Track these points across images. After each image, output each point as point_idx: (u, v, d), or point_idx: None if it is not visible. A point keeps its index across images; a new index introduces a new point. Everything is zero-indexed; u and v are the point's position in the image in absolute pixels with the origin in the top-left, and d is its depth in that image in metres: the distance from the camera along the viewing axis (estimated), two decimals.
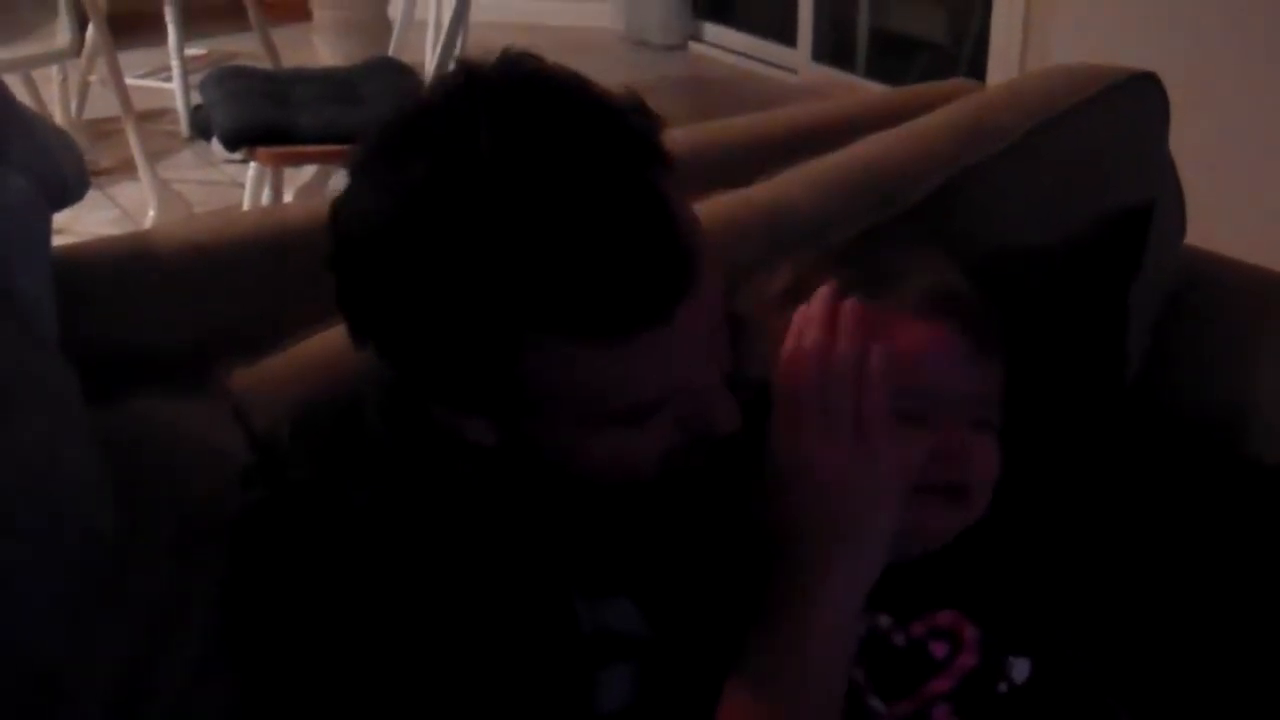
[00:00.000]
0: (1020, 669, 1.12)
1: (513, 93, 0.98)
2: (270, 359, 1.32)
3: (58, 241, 1.27)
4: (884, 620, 1.13)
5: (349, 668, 1.04)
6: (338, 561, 1.07)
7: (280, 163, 3.38)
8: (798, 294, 1.22)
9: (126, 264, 1.41)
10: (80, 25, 4.00)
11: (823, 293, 1.12)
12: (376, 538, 1.07)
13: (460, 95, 1.00)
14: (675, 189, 1.00)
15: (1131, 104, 1.82)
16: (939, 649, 1.12)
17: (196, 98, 4.50)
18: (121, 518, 1.14)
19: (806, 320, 1.10)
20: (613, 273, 0.95)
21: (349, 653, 1.04)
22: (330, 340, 1.28)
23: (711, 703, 1.05)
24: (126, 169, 4.26)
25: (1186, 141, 1.91)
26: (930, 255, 1.27)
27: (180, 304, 1.39)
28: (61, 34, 3.92)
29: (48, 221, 1.25)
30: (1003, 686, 1.12)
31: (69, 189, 1.28)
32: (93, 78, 4.65)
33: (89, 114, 4.76)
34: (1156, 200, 1.63)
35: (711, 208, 1.52)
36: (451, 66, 1.08)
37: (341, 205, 1.05)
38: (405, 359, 1.07)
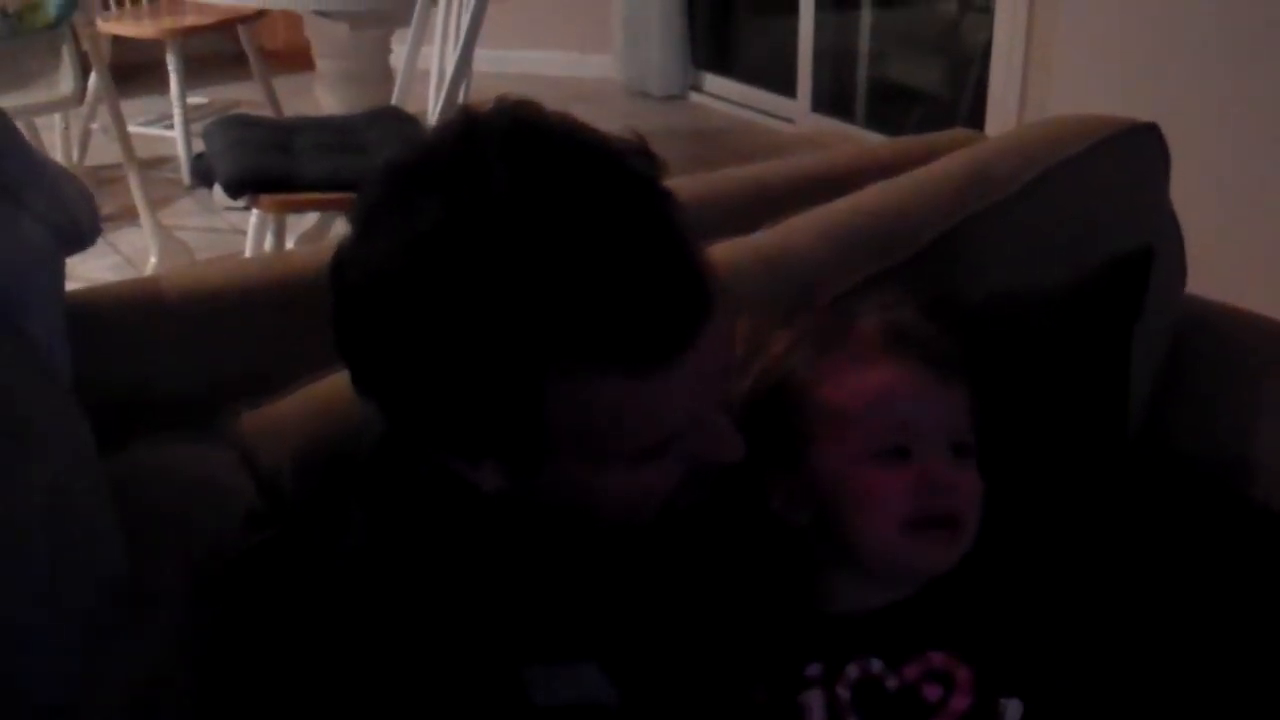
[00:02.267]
0: (1013, 711, 1.12)
1: (520, 135, 0.98)
2: (278, 402, 1.32)
3: None
4: (876, 664, 1.13)
5: None
6: (305, 619, 1.07)
7: (283, 210, 3.38)
8: (753, 357, 1.23)
9: (136, 309, 1.42)
10: (83, 73, 4.02)
11: None
12: (337, 602, 1.07)
13: (466, 140, 1.00)
14: (685, 222, 1.01)
15: (1133, 153, 1.83)
16: (932, 692, 1.12)
17: (198, 146, 4.52)
18: (131, 560, 1.14)
19: None
20: (638, 303, 0.96)
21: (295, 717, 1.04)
22: (337, 384, 1.28)
23: None
24: (128, 216, 4.28)
25: (1186, 191, 1.92)
26: (878, 294, 1.28)
27: (189, 348, 1.40)
28: (64, 82, 3.93)
29: (62, 266, 1.26)
30: None
31: (83, 233, 1.29)
32: (94, 125, 4.67)
33: (90, 161, 4.78)
34: (1156, 245, 1.64)
35: (714, 255, 1.53)
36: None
37: (345, 256, 1.03)
38: (416, 408, 1.04)
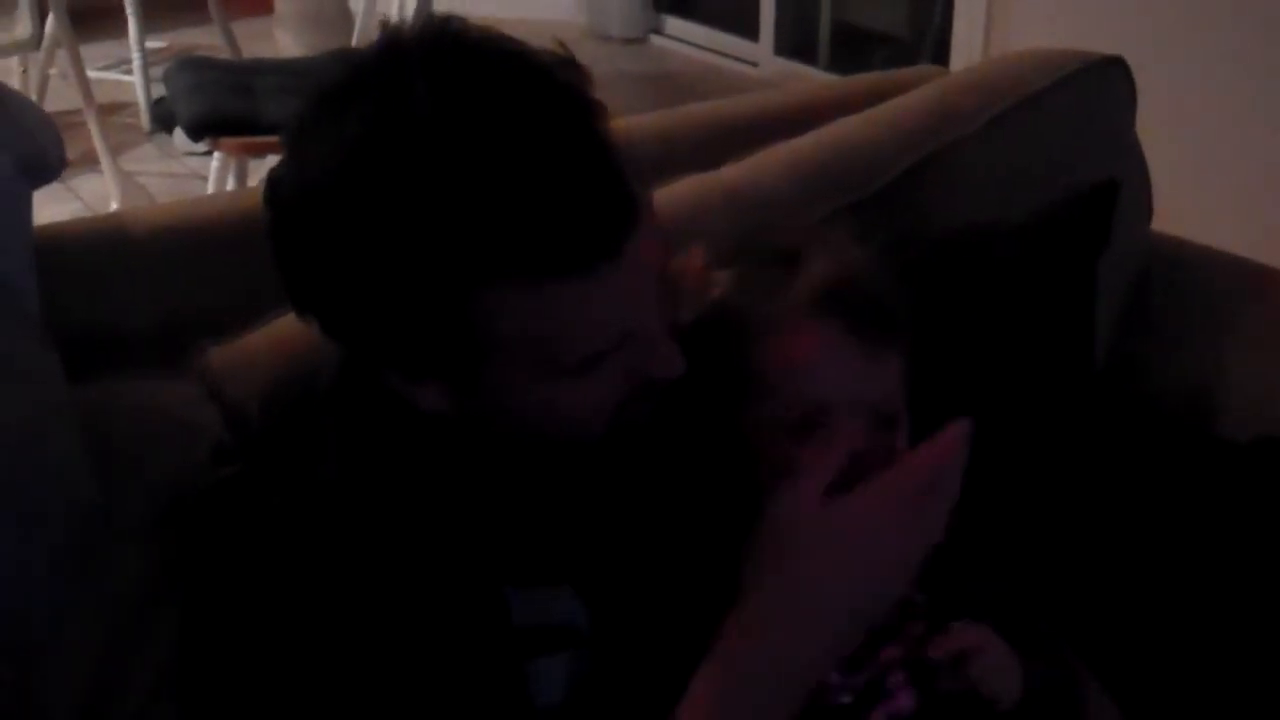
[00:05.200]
0: None
1: (441, 46, 1.00)
2: (244, 337, 1.32)
3: None
4: None
5: (274, 656, 1.04)
6: (277, 548, 1.07)
7: (245, 153, 3.36)
8: (703, 292, 1.22)
9: (101, 245, 1.41)
10: (40, 17, 3.97)
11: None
12: (313, 526, 1.07)
13: (389, 54, 1.01)
14: (609, 130, 1.02)
15: (1099, 87, 1.83)
16: (888, 617, 1.11)
17: (157, 90, 4.47)
18: (99, 494, 1.14)
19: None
20: (562, 206, 0.96)
21: (275, 642, 1.04)
22: None
23: (654, 695, 1.04)
24: (88, 162, 4.23)
25: (1150, 129, 1.92)
26: (829, 237, 1.25)
27: (155, 283, 1.39)
28: (21, 25, 3.89)
29: (29, 199, 1.25)
30: None
31: (49, 166, 1.28)
32: (52, 70, 4.62)
33: (49, 107, 4.71)
34: (1122, 180, 1.64)
35: (680, 190, 1.53)
36: None
37: (278, 175, 1.05)
38: (354, 326, 1.06)
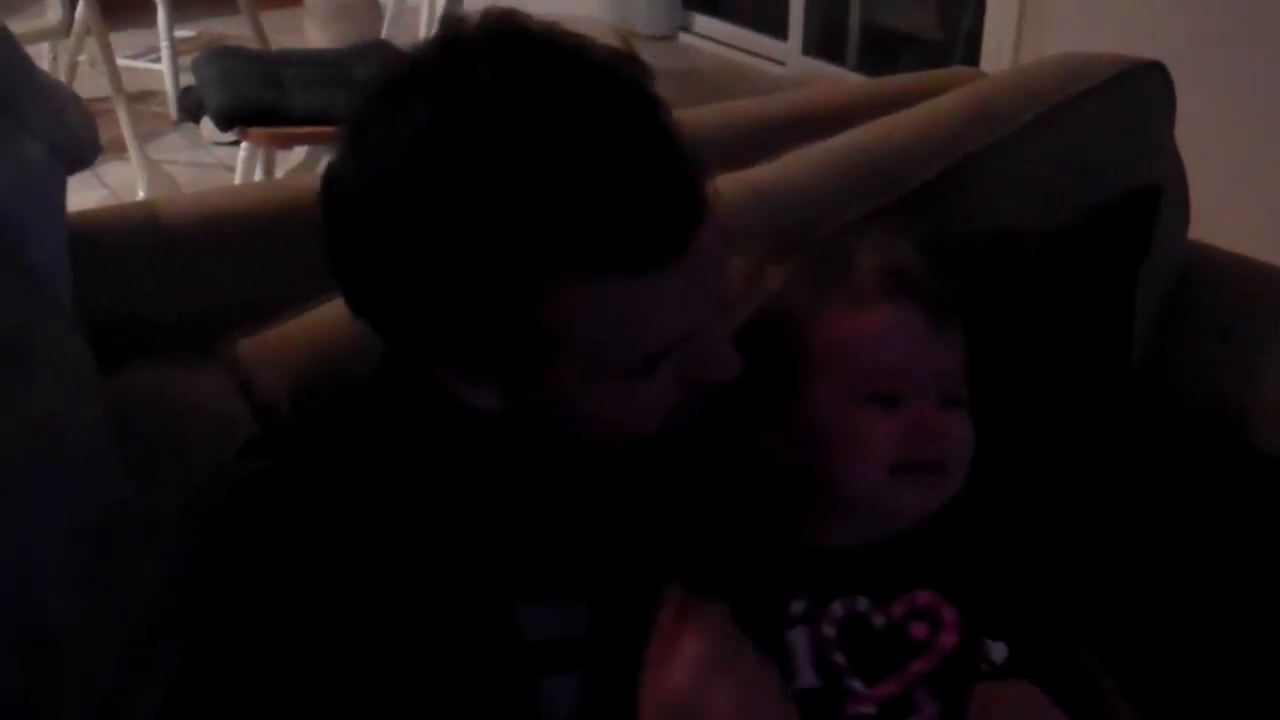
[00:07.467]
0: (998, 653, 1.12)
1: (503, 38, 0.99)
2: (276, 329, 1.31)
3: None
4: (862, 602, 1.12)
5: (280, 664, 1.03)
6: (295, 550, 1.06)
7: (273, 143, 3.37)
8: (749, 293, 1.22)
9: (133, 234, 1.41)
10: (70, 4, 3.97)
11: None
12: (331, 529, 1.06)
13: (453, 46, 0.99)
14: (675, 126, 1.00)
15: (1137, 93, 1.82)
16: (919, 630, 1.11)
17: (185, 80, 4.48)
18: (130, 485, 1.13)
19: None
20: (631, 200, 0.95)
21: (282, 649, 1.04)
22: (336, 311, 1.27)
23: None
24: (115, 149, 4.23)
25: (1186, 135, 1.91)
26: (877, 235, 1.26)
27: (187, 274, 1.39)
28: (51, 11, 3.90)
29: (63, 186, 1.25)
30: (984, 667, 1.11)
31: (84, 153, 1.28)
32: (81, 57, 4.63)
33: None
34: (1161, 184, 1.63)
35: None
36: None
37: (336, 169, 1.03)
38: (415, 324, 1.03)
